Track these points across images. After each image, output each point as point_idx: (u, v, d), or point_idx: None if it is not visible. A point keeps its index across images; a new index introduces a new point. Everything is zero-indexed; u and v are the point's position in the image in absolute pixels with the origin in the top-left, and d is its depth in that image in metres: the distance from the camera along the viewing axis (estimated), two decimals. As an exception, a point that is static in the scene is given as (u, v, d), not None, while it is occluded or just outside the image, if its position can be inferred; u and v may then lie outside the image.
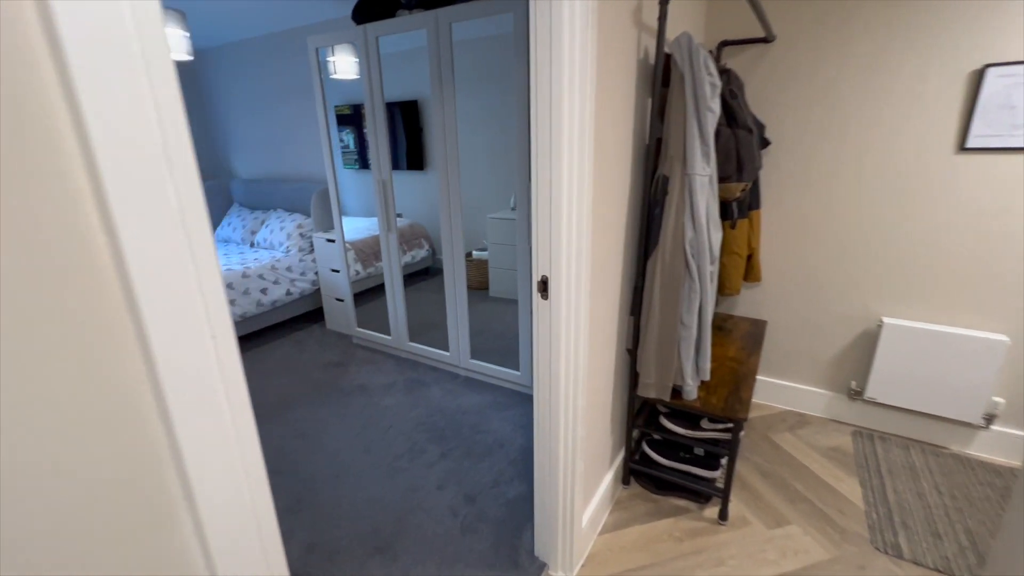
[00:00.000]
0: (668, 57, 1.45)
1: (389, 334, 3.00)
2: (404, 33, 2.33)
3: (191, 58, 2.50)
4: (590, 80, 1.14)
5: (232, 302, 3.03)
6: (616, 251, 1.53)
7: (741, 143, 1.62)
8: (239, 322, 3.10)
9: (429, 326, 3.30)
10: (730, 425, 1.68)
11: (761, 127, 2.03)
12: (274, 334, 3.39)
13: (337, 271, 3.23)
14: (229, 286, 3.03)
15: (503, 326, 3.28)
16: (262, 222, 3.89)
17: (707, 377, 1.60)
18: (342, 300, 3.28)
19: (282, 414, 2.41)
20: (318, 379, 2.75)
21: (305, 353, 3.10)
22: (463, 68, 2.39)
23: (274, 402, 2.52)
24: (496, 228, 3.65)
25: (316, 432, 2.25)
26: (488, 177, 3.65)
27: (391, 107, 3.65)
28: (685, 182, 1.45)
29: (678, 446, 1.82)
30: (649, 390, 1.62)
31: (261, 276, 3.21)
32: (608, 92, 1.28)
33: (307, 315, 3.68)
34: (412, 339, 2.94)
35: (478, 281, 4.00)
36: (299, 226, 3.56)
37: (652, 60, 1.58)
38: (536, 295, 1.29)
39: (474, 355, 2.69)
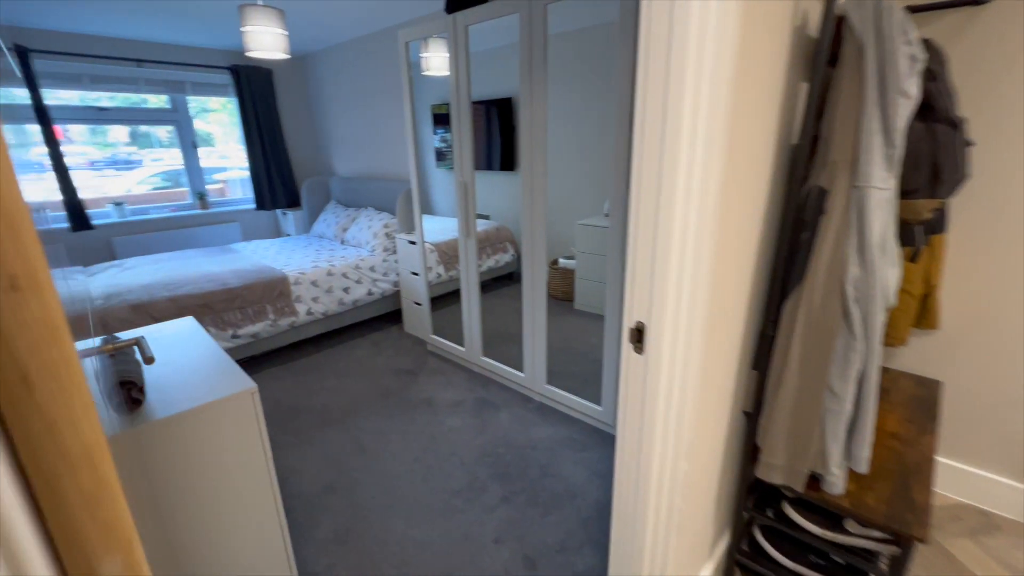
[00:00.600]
0: (839, 22, 1.04)
1: (463, 345, 2.82)
2: (497, 21, 2.10)
3: (288, 56, 2.51)
4: (727, 60, 0.79)
5: (315, 299, 3.05)
6: (741, 284, 1.15)
7: (940, 143, 1.14)
8: (320, 319, 3.12)
9: (506, 338, 3.07)
10: (893, 538, 1.21)
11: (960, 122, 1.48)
12: (353, 333, 3.38)
13: (416, 274, 3.12)
14: (313, 283, 3.05)
15: (586, 346, 2.96)
16: (353, 219, 3.93)
17: (863, 469, 1.15)
18: (420, 304, 3.17)
19: (348, 420, 2.32)
20: (387, 386, 2.65)
21: (380, 356, 3.03)
22: (558, 61, 2.11)
23: (344, 406, 2.45)
24: (586, 236, 3.32)
25: (377, 447, 2.12)
26: (581, 180, 3.32)
27: (486, 105, 3.47)
28: (853, 197, 1.03)
29: (807, 546, 1.38)
30: (774, 473, 1.21)
31: (345, 275, 3.21)
32: (746, 75, 0.91)
33: (387, 316, 3.65)
34: (486, 353, 2.73)
35: (563, 292, 3.70)
36: (385, 225, 3.53)
37: (814, 29, 1.17)
38: (626, 346, 0.97)
39: (551, 379, 2.40)
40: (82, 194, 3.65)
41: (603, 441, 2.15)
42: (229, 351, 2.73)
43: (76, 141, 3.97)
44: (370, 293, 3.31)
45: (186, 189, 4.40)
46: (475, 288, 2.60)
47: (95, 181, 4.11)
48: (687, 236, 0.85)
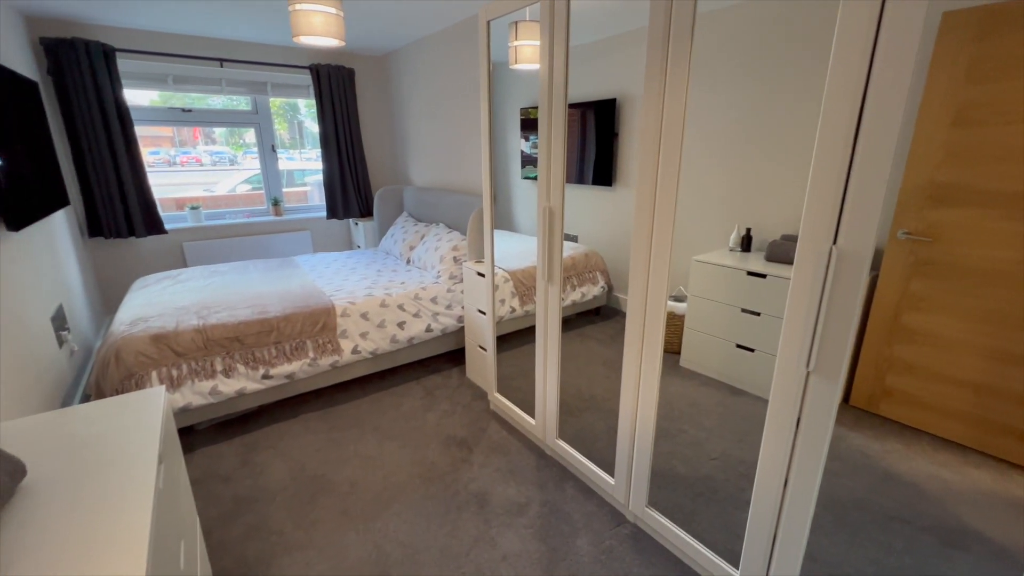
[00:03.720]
0: None
1: (533, 416, 2.16)
2: (603, 5, 1.42)
3: (343, 44, 2.03)
4: None
5: (364, 335, 2.56)
6: None
7: None
8: (368, 359, 2.63)
9: (589, 404, 2.36)
10: None
11: None
12: (406, 375, 2.86)
13: (483, 313, 2.52)
14: (363, 316, 2.56)
15: (700, 430, 2.16)
16: (421, 237, 3.45)
17: None
18: (484, 350, 2.57)
19: (376, 516, 1.76)
20: (434, 463, 2.06)
21: (432, 412, 2.47)
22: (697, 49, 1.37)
23: (375, 490, 1.90)
24: (703, 275, 2.51)
25: (403, 568, 1.52)
26: (702, 201, 2.53)
27: (581, 108, 2.80)
28: None
29: None
30: None
31: (401, 306, 2.69)
32: None
33: (447, 355, 3.09)
34: (563, 433, 2.04)
35: (666, 340, 2.91)
36: (454, 248, 2.98)
37: None
38: None
39: (654, 499, 1.66)
40: (185, 193, 3.57)
41: (738, 626, 1.37)
42: (258, 393, 2.32)
43: (186, 143, 3.94)
44: (429, 329, 2.77)
45: (262, 194, 4.22)
46: (555, 349, 1.93)
47: (200, 178, 4.12)
48: None
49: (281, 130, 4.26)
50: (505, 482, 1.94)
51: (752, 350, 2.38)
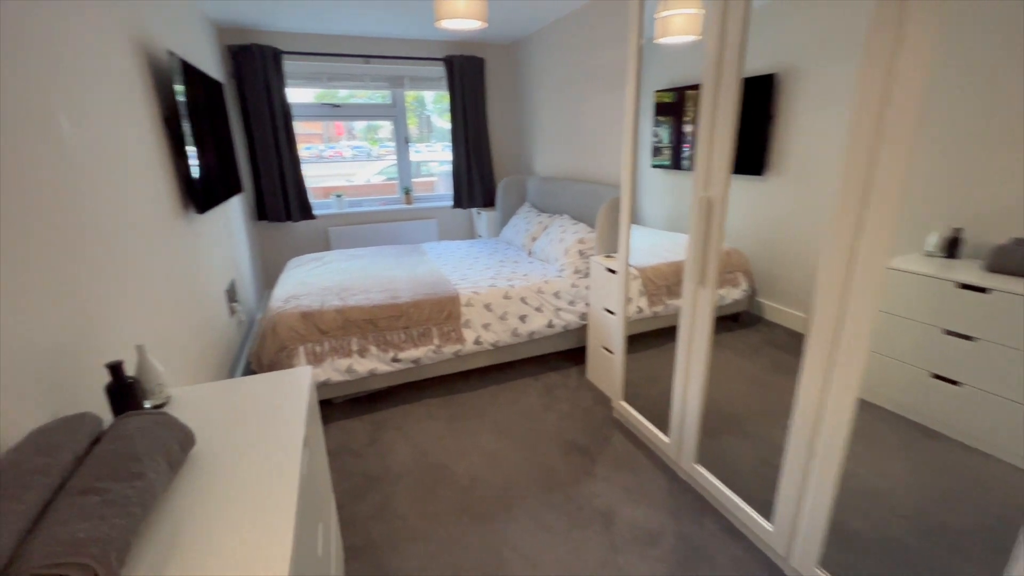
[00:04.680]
0: None
1: (666, 432, 1.93)
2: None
3: (485, 24, 1.96)
4: None
5: (486, 326, 2.53)
6: None
7: None
8: (489, 350, 2.60)
9: (730, 423, 2.06)
10: None
11: None
12: (524, 370, 2.78)
13: (612, 313, 2.33)
14: (487, 307, 2.53)
15: (874, 473, 1.74)
16: (544, 228, 3.34)
17: None
18: (611, 352, 2.38)
19: (495, 517, 1.69)
20: (553, 467, 1.94)
21: (551, 412, 2.36)
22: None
23: (495, 488, 1.84)
24: (889, 285, 2.04)
25: (522, 587, 1.43)
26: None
27: (694, 89, 2.44)
28: None
29: None
30: None
31: (524, 299, 2.61)
32: None
33: (567, 353, 2.95)
34: (701, 458, 1.78)
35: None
36: (580, 241, 2.81)
37: None
38: None
39: (827, 559, 1.35)
40: (327, 183, 3.95)
41: None
42: (387, 375, 2.40)
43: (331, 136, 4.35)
44: (551, 325, 2.66)
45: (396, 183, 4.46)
46: (700, 362, 1.68)
47: (343, 169, 4.54)
48: None
49: (411, 124, 4.45)
50: (633, 503, 1.75)
51: (956, 383, 1.88)
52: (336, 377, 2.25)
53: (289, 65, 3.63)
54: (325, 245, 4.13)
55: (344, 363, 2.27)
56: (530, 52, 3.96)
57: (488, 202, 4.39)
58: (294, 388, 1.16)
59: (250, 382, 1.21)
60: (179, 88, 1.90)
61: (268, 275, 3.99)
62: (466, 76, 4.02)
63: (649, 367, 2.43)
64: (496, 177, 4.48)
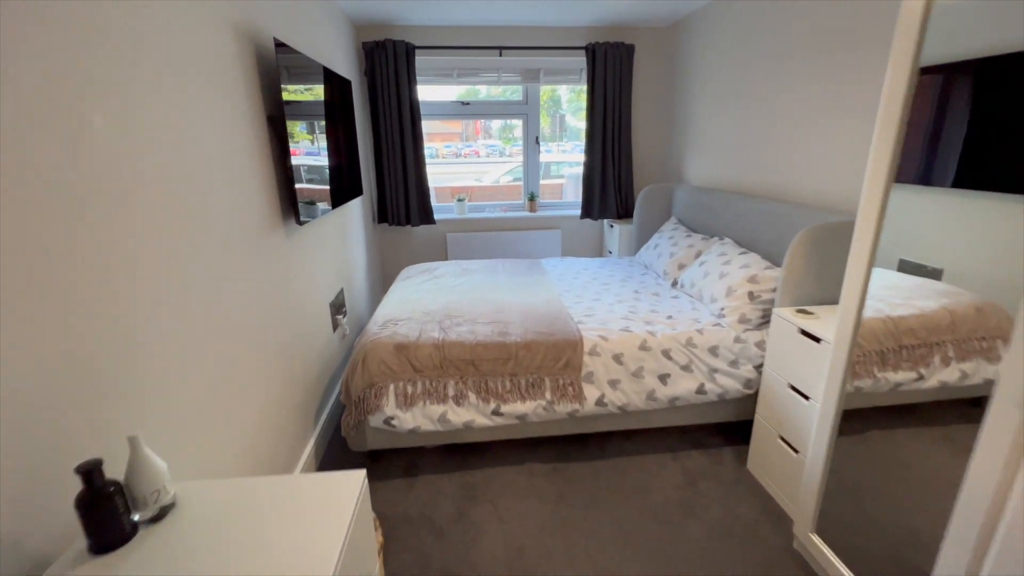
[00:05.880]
0: None
1: (903, 622, 1.17)
2: None
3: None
4: None
5: (614, 383, 1.96)
6: None
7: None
8: (616, 414, 2.02)
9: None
10: None
11: None
12: (658, 442, 2.15)
13: (804, 397, 1.60)
14: (616, 358, 1.96)
15: None
16: (697, 254, 2.64)
17: None
18: (795, 452, 1.65)
19: None
20: (701, 627, 1.31)
21: (694, 517, 1.71)
22: None
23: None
24: None
25: None
26: None
27: (944, 72, 1.46)
28: None
29: None
30: None
31: (667, 353, 1.98)
32: None
33: (719, 427, 2.23)
34: None
35: None
36: (751, 280, 2.07)
37: None
38: None
39: None
40: (458, 183, 3.75)
41: None
42: (486, 429, 1.97)
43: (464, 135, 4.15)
44: (701, 391, 1.99)
45: (520, 186, 4.07)
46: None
47: (475, 169, 4.35)
48: None
49: (543, 123, 4.00)
50: None
51: None
52: (427, 426, 1.88)
53: (419, 61, 3.41)
54: (442, 252, 3.90)
55: (437, 410, 1.88)
56: (696, 31, 3.23)
57: (623, 213, 3.76)
58: (335, 499, 0.80)
59: (278, 483, 0.88)
60: (293, 87, 1.66)
61: (386, 280, 3.88)
62: (610, 65, 3.43)
63: (847, 469, 1.64)
64: (636, 185, 3.82)
